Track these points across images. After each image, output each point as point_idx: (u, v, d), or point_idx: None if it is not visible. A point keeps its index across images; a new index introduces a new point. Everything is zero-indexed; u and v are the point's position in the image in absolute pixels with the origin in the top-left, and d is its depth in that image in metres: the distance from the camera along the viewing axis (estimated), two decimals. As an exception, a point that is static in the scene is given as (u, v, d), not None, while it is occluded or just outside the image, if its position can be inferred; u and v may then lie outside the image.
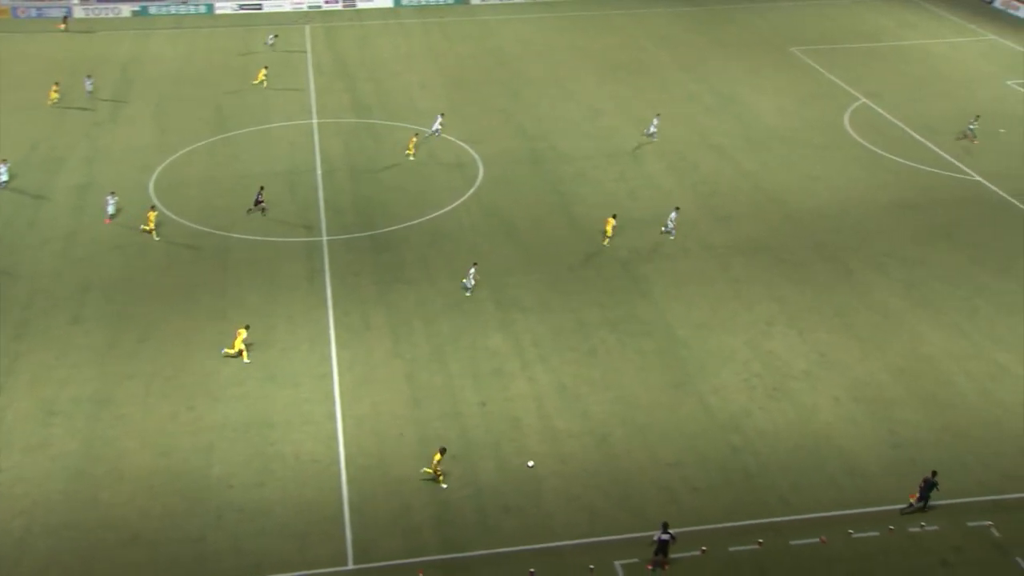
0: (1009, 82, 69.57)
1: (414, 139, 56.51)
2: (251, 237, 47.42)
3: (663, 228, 47.82)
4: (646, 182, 53.60)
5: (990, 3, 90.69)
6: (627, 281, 44.05)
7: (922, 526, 30.54)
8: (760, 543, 30.15)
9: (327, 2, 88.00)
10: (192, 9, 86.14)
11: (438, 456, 32.51)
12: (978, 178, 54.03)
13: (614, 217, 47.51)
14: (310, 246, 46.90)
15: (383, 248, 46.78)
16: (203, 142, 58.31)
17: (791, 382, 37.35)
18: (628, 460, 33.62)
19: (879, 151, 57.51)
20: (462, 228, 48.71)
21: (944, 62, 74.35)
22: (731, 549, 30.01)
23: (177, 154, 56.64)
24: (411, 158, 55.67)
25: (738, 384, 37.23)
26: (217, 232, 47.87)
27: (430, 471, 32.61)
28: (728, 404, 36.18)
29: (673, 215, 47.73)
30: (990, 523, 30.70)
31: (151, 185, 52.73)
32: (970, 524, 30.73)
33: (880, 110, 63.90)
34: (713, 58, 74.80)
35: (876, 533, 30.47)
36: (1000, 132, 60.25)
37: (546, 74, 70.89)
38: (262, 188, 50.21)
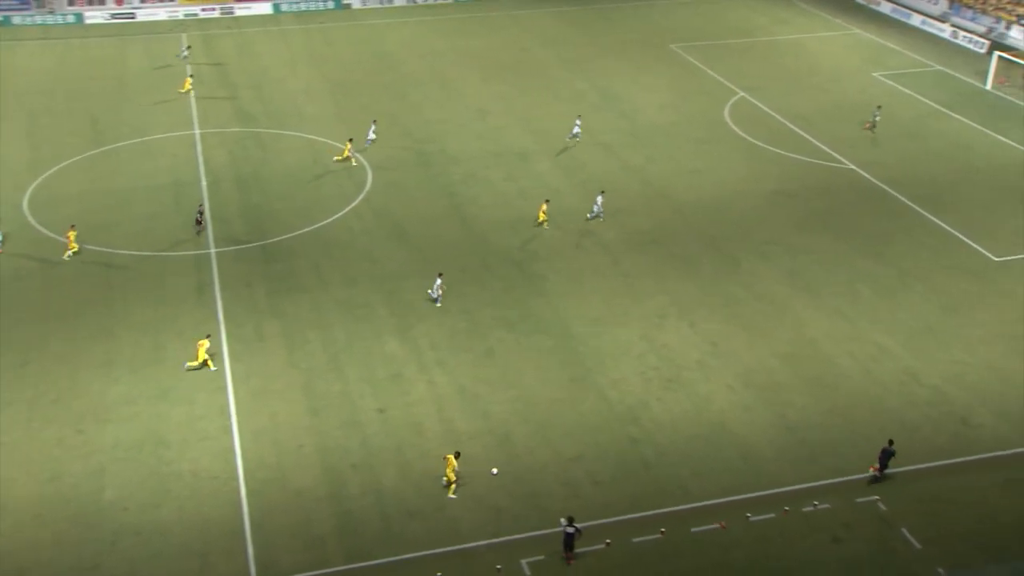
0: (875, 74, 72.37)
1: (349, 144, 56.04)
2: (136, 252, 46.03)
3: (589, 214, 49.02)
4: (536, 181, 53.97)
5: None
6: (521, 280, 44.28)
7: (815, 505, 31.51)
8: (663, 532, 30.67)
9: (204, 10, 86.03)
10: (60, 19, 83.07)
11: (453, 462, 31.88)
12: (852, 166, 56.03)
13: (547, 202, 49.24)
14: (198, 259, 45.77)
15: (274, 258, 45.97)
16: (80, 156, 56.33)
17: (686, 373, 38.10)
18: (530, 457, 33.80)
19: (759, 143, 59.12)
20: (354, 234, 48.22)
21: (815, 56, 76.89)
22: (635, 540, 30.44)
23: (52, 170, 54.59)
24: (351, 162, 55.50)
25: (635, 377, 37.80)
26: (100, 249, 46.31)
27: (450, 477, 31.88)
28: (626, 397, 36.70)
29: (599, 199, 49.11)
30: (877, 498, 31.85)
31: (25, 203, 50.70)
32: (858, 500, 31.83)
33: (758, 103, 65.69)
34: (596, 57, 75.78)
35: (772, 515, 31.31)
36: (874, 117, 62.54)
37: (431, 76, 70.73)
38: (201, 205, 48.91)
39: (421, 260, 45.90)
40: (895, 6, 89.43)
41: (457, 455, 32.45)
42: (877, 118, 61.73)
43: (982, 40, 78.90)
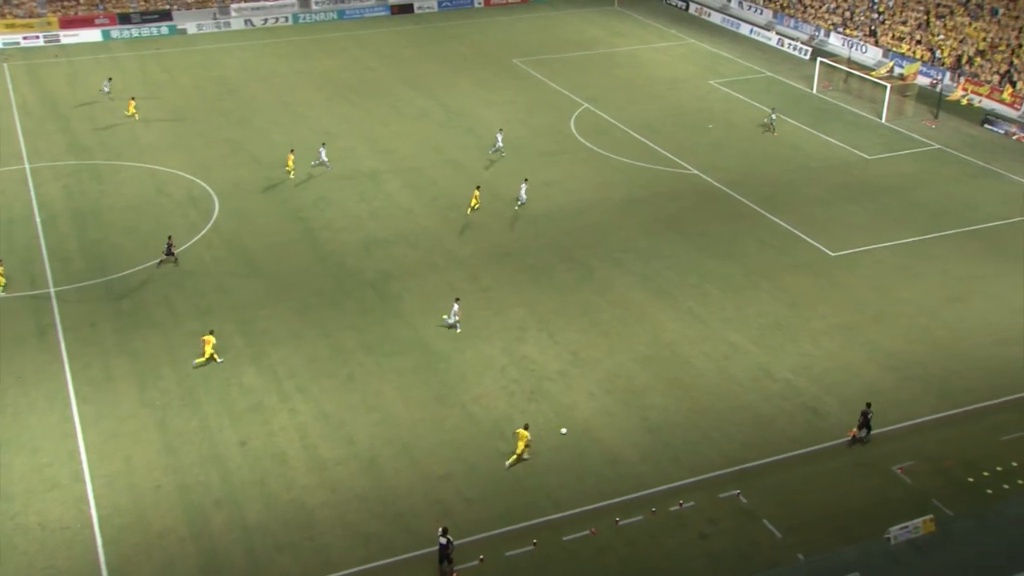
0: (711, 81, 75.07)
1: (291, 156, 56.15)
2: (-34, 296, 43.35)
3: (519, 202, 52.04)
4: (387, 201, 53.58)
5: (686, 9, 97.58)
6: (378, 302, 43.80)
7: (680, 504, 32.19)
8: (535, 544, 30.74)
9: (25, 38, 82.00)
10: None
11: (525, 434, 33.21)
12: (695, 171, 57.83)
13: (478, 189, 52.54)
14: (37, 300, 43.45)
15: (121, 294, 44.06)
16: (-102, 197, 52.79)
17: (548, 383, 38.40)
18: (398, 480, 33.37)
19: (605, 152, 60.37)
20: (204, 264, 46.73)
21: (653, 66, 79.20)
22: (508, 554, 30.40)
23: None
24: (291, 176, 55.82)
25: (498, 391, 37.85)
26: (-75, 294, 43.42)
27: (520, 452, 33.20)
28: (490, 412, 36.70)
29: (523, 187, 52.24)
30: (738, 491, 32.82)
31: None
32: (720, 495, 32.69)
33: (602, 114, 67.11)
34: (439, 74, 75.96)
35: (640, 517, 31.82)
36: (709, 128, 64.84)
37: (273, 100, 69.44)
38: (170, 237, 46.85)
39: (276, 287, 44.85)
40: (725, 16, 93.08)
41: (526, 426, 33.80)
42: (774, 119, 64.50)
43: (805, 47, 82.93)
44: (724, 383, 38.51)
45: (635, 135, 63.64)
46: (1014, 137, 64.60)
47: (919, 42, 77.97)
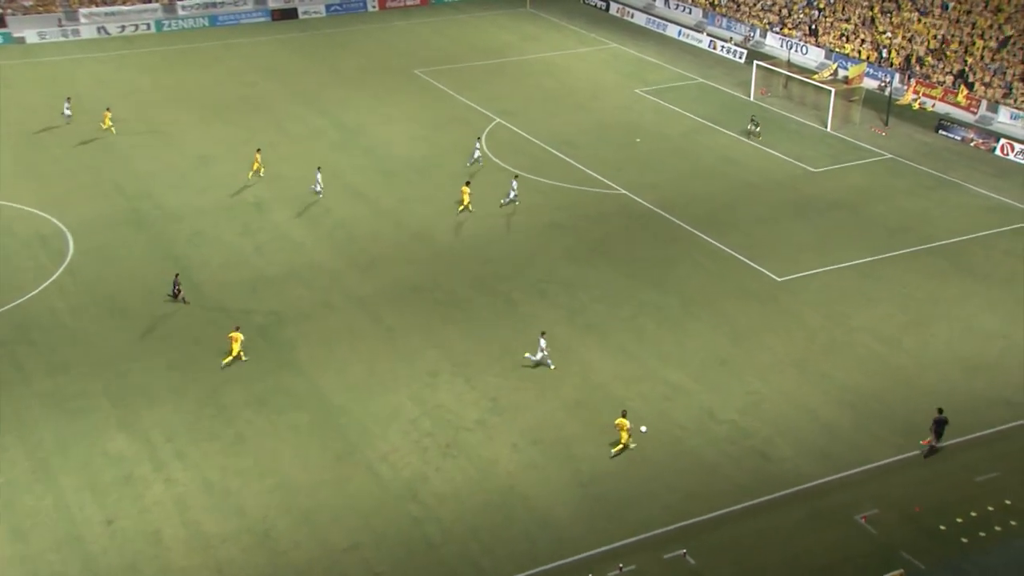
0: (637, 90, 76.41)
1: (258, 155, 58.94)
2: None
3: (505, 200, 55.24)
4: (275, 234, 53.16)
5: (606, 10, 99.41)
6: (268, 350, 43.30)
7: (620, 568, 32.27)
8: (457, 620, 30.51)
9: None
10: None
11: (625, 423, 36.61)
12: (622, 190, 58.65)
13: (467, 185, 55.48)
14: None
15: (-43, 351, 42.79)
16: None
17: (465, 435, 38.32)
18: (297, 553, 32.87)
19: (523, 172, 60.83)
20: (57, 313, 45.65)
21: (571, 74, 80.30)
22: (426, 634, 30.12)
23: None
24: (261, 174, 58.85)
25: (409, 446, 37.65)
26: None
27: (625, 442, 36.66)
28: (401, 470, 36.46)
29: (514, 183, 55.37)
30: (684, 551, 33.05)
31: None
32: (666, 556, 32.87)
33: (516, 129, 67.73)
34: (331, 88, 75.90)
35: (577, 583, 31.85)
36: (636, 142, 65.92)
37: (138, 120, 68.53)
38: (177, 275, 46.36)
39: (147, 337, 44.01)
40: (650, 17, 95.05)
41: (624, 413, 37.12)
42: (758, 128, 66.76)
43: (740, 49, 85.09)
44: (665, 427, 38.90)
45: (554, 152, 64.32)
46: (972, 144, 67.01)
47: (864, 41, 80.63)
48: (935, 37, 77.11)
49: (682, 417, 39.43)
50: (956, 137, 67.95)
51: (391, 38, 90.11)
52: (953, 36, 76.18)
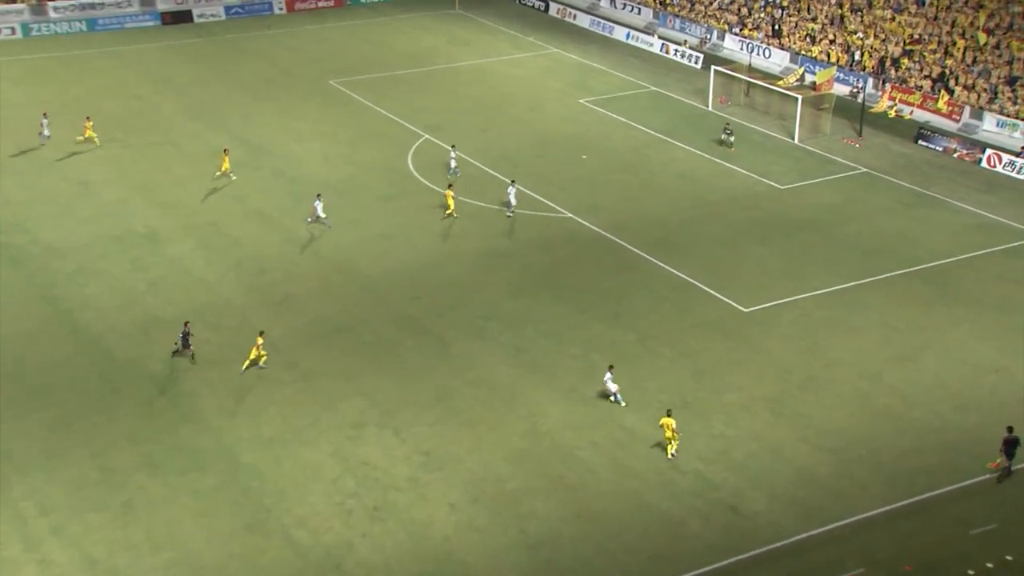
0: (582, 100, 76.88)
1: (226, 155, 62.02)
2: None
3: (509, 212, 57.96)
4: (171, 269, 52.51)
5: (545, 11, 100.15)
6: (166, 402, 42.61)
7: (578, 640, 32.06)
8: None
9: None
10: None
11: (670, 421, 39.32)
12: (568, 214, 58.81)
13: (450, 188, 58.61)
14: None
15: None
16: None
17: (395, 495, 37.94)
18: (202, 640, 32.20)
19: (455, 195, 60.76)
20: (-82, 365, 44.64)
21: (508, 83, 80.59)
22: None
23: None
24: (232, 177, 62.10)
25: (331, 509, 37.16)
26: None
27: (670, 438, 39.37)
28: (322, 537, 35.96)
29: (512, 190, 57.93)
30: (650, 620, 32.95)
31: None
32: (630, 625, 32.73)
33: (447, 145, 67.65)
34: (233, 101, 75.47)
35: (527, 662, 31.54)
36: (582, 159, 66.23)
37: (5, 140, 67.44)
38: (187, 323, 45.50)
39: (20, 392, 43.10)
40: (595, 18, 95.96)
41: (669, 412, 39.62)
42: (732, 138, 67.98)
43: (696, 53, 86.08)
44: (621, 479, 38.81)
45: (490, 171, 64.38)
46: (955, 155, 68.24)
47: (834, 42, 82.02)
48: (911, 37, 78.65)
49: (640, 467, 39.38)
50: (937, 148, 69.18)
51: (301, 44, 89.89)
52: (931, 35, 77.74)
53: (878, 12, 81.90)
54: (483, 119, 72.56)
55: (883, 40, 79.79)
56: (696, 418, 41.97)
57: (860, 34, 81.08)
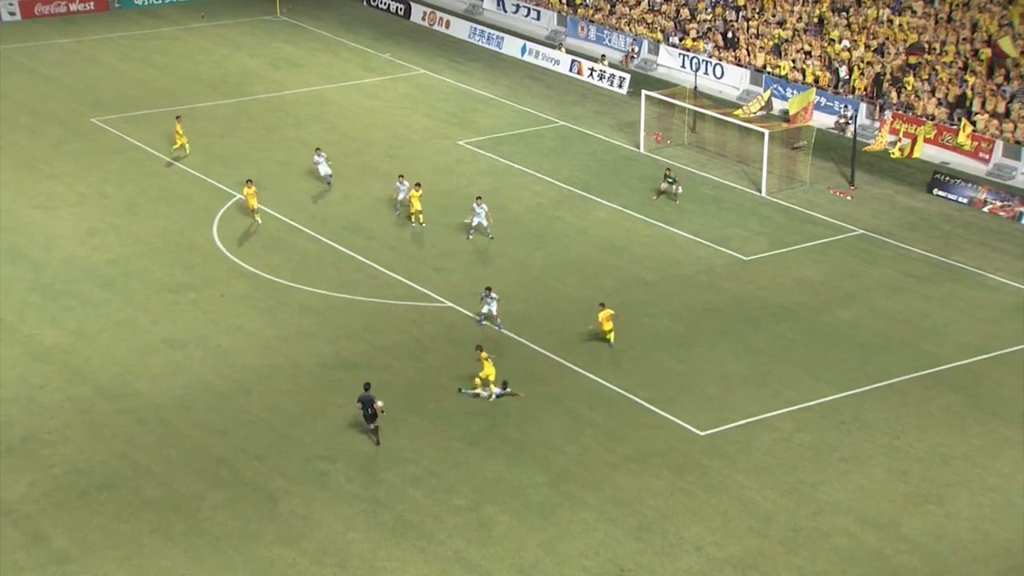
0: (462, 142, 77.02)
1: (178, 124, 72.56)
2: None
3: (470, 228, 64.47)
4: None
5: (406, 16, 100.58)
6: None
7: None
8: None
9: None
10: None
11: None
12: (445, 301, 58.56)
13: (418, 187, 65.17)
14: None
15: None
16: None
17: None
18: None
19: (280, 279, 60.20)
20: None
21: (356, 118, 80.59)
22: None
23: None
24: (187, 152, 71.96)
25: None
26: None
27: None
28: None
29: (476, 207, 64.20)
30: None
31: None
32: None
33: (270, 209, 67.13)
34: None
35: None
36: (464, 224, 66.15)
37: None
38: (368, 384, 48.65)
39: None
40: (476, 26, 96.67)
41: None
42: (676, 186, 69.30)
43: (619, 73, 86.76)
44: None
45: (333, 244, 64.04)
46: (985, 208, 69.18)
47: (810, 55, 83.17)
48: (917, 45, 79.78)
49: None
50: (960, 198, 70.18)
51: (48, 66, 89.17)
52: (946, 43, 79.02)
53: (870, 12, 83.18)
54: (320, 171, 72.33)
55: (877, 51, 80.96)
56: (638, 592, 41.63)
57: (846, 43, 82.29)
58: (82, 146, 75.80)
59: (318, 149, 70.92)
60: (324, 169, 69.87)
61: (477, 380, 51.28)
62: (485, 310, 56.37)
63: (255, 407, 51.12)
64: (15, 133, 77.40)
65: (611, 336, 54.99)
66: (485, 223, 64.27)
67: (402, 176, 67.29)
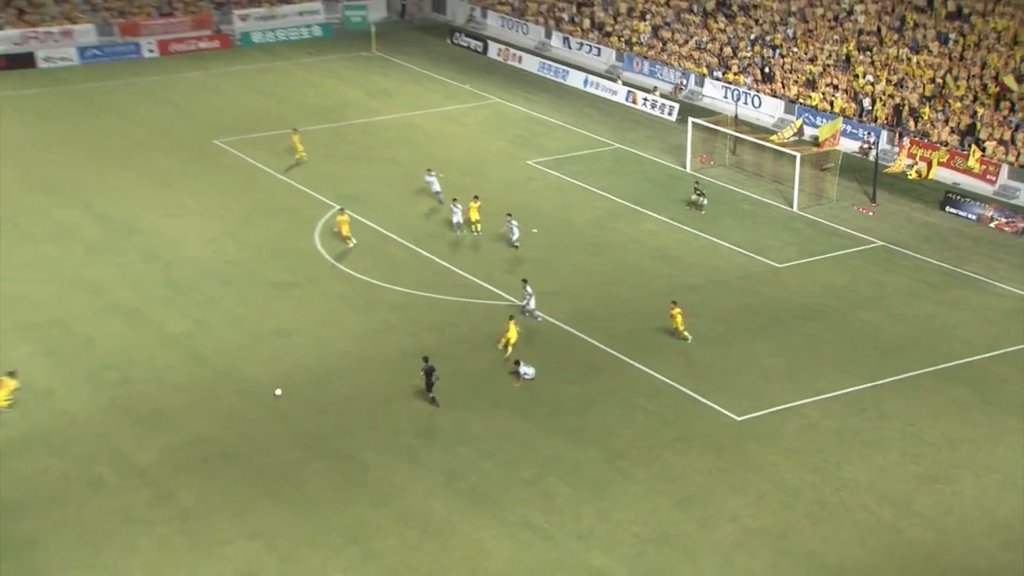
0: (530, 161, 77.10)
1: (296, 137, 74.73)
2: None
3: (514, 243, 64.39)
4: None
5: (483, 52, 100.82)
6: None
7: None
8: None
9: None
10: None
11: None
12: (517, 302, 58.54)
13: (476, 199, 65.81)
14: None
15: None
16: None
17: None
18: None
19: (376, 280, 60.41)
20: None
21: (439, 141, 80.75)
22: None
23: None
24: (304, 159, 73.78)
25: None
26: None
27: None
28: None
29: (513, 223, 64.03)
30: None
31: None
32: None
33: (365, 220, 67.44)
34: (89, 168, 75.30)
35: None
36: (532, 232, 66.16)
37: None
38: (426, 358, 52.07)
39: None
40: (544, 62, 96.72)
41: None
42: (703, 198, 69.50)
43: (669, 103, 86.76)
44: (590, 640, 38.17)
45: (419, 250, 64.18)
46: (992, 224, 68.78)
47: (838, 88, 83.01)
48: (933, 80, 79.72)
49: (613, 623, 38.79)
50: (969, 215, 69.80)
51: (179, 96, 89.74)
52: (959, 78, 78.81)
53: (891, 51, 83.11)
54: (408, 187, 72.42)
55: (898, 85, 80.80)
56: (683, 557, 41.50)
57: (870, 78, 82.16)
58: (206, 165, 76.39)
59: (429, 169, 71.06)
60: (436, 187, 70.05)
61: (504, 340, 53.11)
62: (525, 302, 56.86)
63: (348, 389, 51.39)
64: (151, 154, 78.06)
65: (685, 333, 55.15)
66: (516, 232, 64.43)
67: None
